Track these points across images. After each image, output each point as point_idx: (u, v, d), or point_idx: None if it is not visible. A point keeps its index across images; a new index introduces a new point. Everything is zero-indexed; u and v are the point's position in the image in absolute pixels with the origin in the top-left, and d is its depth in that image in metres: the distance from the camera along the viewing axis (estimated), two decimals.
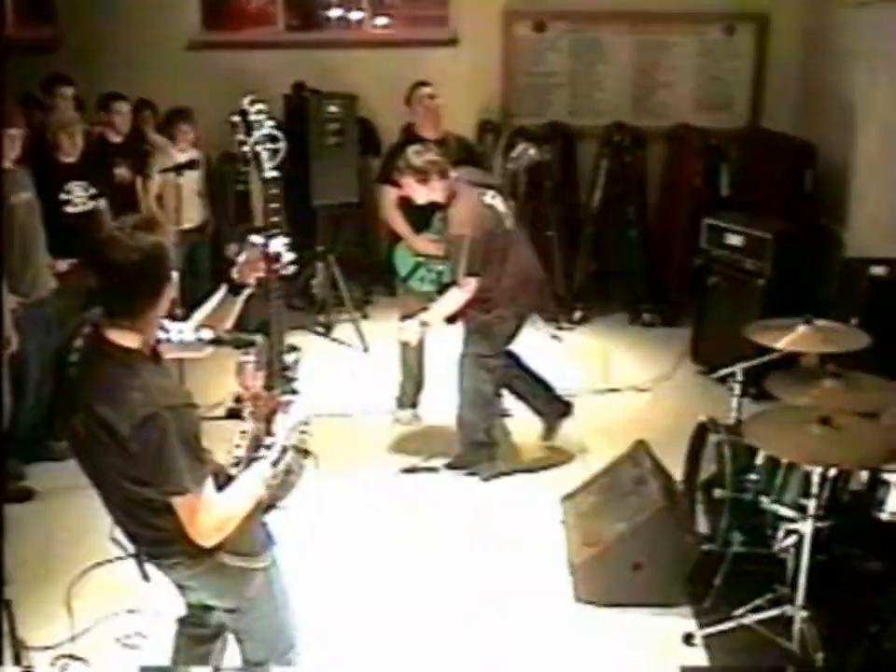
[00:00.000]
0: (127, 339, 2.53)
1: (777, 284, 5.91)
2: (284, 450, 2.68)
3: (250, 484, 2.63)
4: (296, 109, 7.33)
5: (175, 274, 2.58)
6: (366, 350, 6.70)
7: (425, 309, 4.91)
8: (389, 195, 5.43)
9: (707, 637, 3.88)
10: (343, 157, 6.91)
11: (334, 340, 6.98)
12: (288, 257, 2.80)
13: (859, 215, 6.82)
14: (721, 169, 7.34)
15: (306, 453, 2.82)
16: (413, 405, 5.75)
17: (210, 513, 2.51)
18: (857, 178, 6.83)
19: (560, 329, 6.93)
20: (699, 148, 7.40)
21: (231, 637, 3.04)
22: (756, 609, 3.85)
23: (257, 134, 2.77)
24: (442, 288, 5.00)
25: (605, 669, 3.79)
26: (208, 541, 2.54)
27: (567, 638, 3.93)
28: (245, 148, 2.77)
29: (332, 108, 6.88)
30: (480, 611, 4.06)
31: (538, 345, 6.70)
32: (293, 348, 2.86)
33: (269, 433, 2.69)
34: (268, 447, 2.67)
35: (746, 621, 3.83)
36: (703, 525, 4.35)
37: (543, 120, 7.83)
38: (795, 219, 6.50)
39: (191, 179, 6.55)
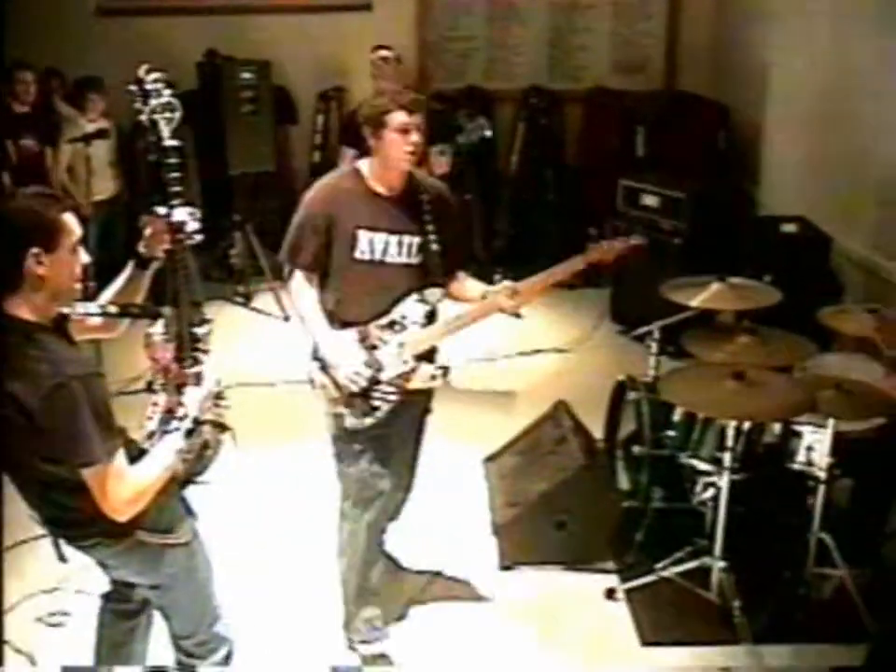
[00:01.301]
0: (23, 311, 2.48)
1: (692, 243, 6.01)
2: (196, 422, 2.65)
3: (162, 456, 2.59)
4: (209, 77, 7.21)
5: (82, 251, 2.53)
6: (286, 319, 6.66)
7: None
8: (345, 157, 5.40)
9: (629, 592, 3.96)
10: (258, 125, 6.83)
11: (254, 309, 6.93)
12: (193, 226, 2.75)
13: (770, 174, 6.94)
14: (637, 131, 7.41)
15: (223, 427, 2.80)
16: None
17: (122, 485, 2.47)
18: (768, 139, 6.96)
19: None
20: (615, 110, 7.46)
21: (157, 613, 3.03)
22: (676, 562, 3.94)
23: (153, 103, 2.72)
24: None
25: (530, 627, 3.85)
26: (122, 515, 2.51)
27: (491, 598, 3.98)
28: (143, 117, 2.73)
29: (246, 75, 6.79)
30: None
31: (457, 308, 6.74)
32: (204, 320, 2.82)
33: (181, 405, 2.66)
34: (180, 419, 2.64)
35: (667, 574, 3.93)
36: (624, 482, 4.44)
37: (460, 85, 7.82)
38: (710, 179, 6.62)
39: (102, 150, 6.43)
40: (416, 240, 3.43)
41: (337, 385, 3.47)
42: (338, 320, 3.46)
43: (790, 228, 5.72)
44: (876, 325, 4.17)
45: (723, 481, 3.75)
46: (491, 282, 3.65)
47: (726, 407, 3.55)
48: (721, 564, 3.82)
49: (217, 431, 2.81)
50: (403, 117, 3.31)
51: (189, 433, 2.64)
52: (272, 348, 6.25)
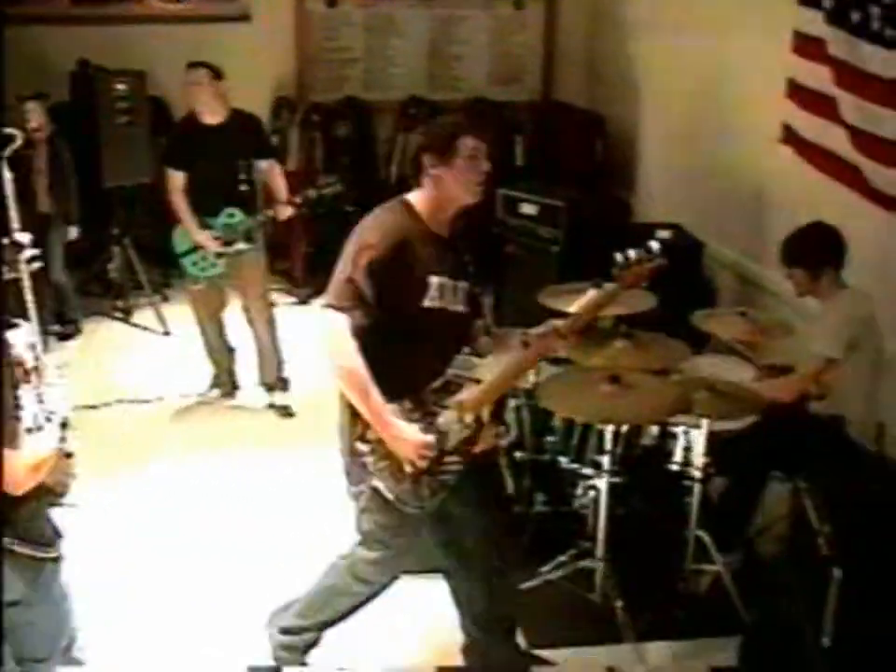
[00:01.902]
0: None
1: (570, 250, 6.10)
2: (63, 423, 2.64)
3: (48, 437, 2.59)
4: (82, 87, 7.05)
5: None
6: (167, 333, 6.54)
7: None
8: (173, 178, 5.30)
9: None
10: (134, 136, 6.69)
11: (134, 325, 6.79)
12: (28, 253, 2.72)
13: (645, 182, 7.11)
14: (516, 140, 7.50)
15: (68, 455, 2.74)
16: (225, 385, 5.69)
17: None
18: (643, 148, 7.12)
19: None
20: (494, 121, 7.52)
21: None
22: (560, 566, 3.99)
23: None
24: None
25: (412, 636, 3.84)
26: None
27: (368, 610, 3.95)
28: None
29: (120, 86, 6.65)
30: (276, 591, 4.03)
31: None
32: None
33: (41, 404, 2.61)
34: (48, 419, 2.60)
35: (551, 577, 3.97)
36: (509, 488, 4.48)
37: (339, 96, 7.79)
38: (586, 188, 6.72)
39: None
40: (465, 285, 3.13)
41: (398, 468, 3.06)
42: (393, 386, 3.00)
43: (664, 234, 5.82)
44: (750, 328, 4.32)
45: (603, 483, 3.82)
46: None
47: (603, 411, 3.61)
48: (603, 565, 3.89)
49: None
50: (473, 141, 3.01)
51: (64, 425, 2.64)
52: (152, 364, 6.14)
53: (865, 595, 2.55)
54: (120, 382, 5.81)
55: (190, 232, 5.28)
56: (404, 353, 3.01)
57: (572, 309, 3.39)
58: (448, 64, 8.06)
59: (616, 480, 3.86)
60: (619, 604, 3.78)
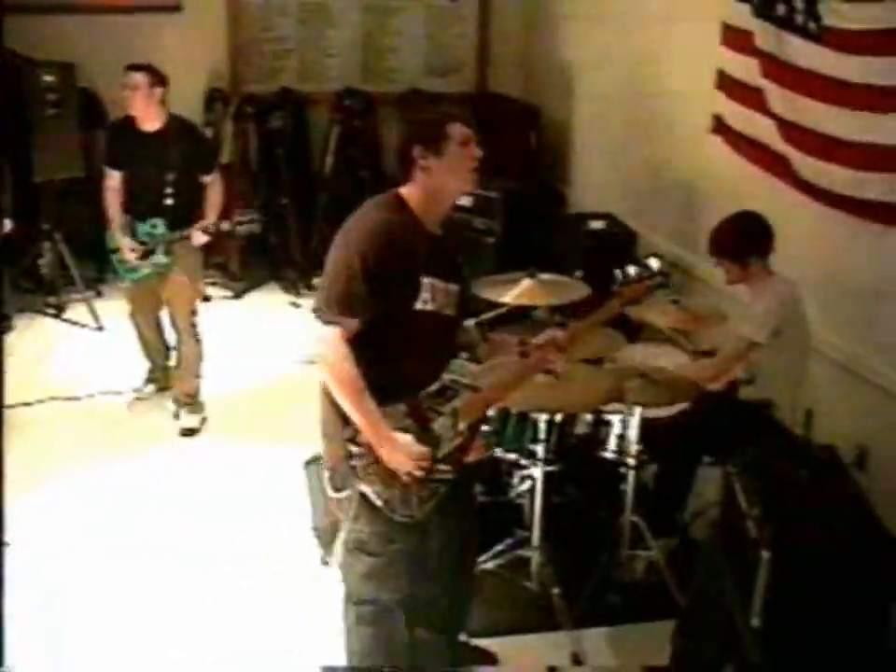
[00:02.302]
0: None
1: (506, 241, 6.14)
2: None
3: None
4: (9, 79, 6.90)
5: None
6: (100, 329, 6.46)
7: None
8: (109, 177, 5.21)
9: None
10: (63, 129, 6.57)
11: (66, 321, 6.69)
12: None
13: (579, 173, 7.16)
14: None
15: None
16: (159, 380, 5.62)
17: None
18: (576, 139, 7.17)
19: (298, 295, 6.95)
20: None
21: None
22: (497, 555, 4.02)
23: None
24: None
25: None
26: None
27: (315, 604, 3.93)
28: None
29: (48, 78, 6.54)
30: (228, 584, 4.04)
31: (276, 313, 6.70)
32: None
33: None
34: None
35: (489, 566, 3.99)
36: None
37: (273, 87, 7.73)
38: (522, 179, 6.75)
39: None
40: (456, 288, 3.00)
41: (388, 473, 2.94)
42: (386, 391, 2.89)
43: (597, 224, 5.92)
44: (683, 316, 4.38)
45: (538, 473, 3.85)
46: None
47: (537, 401, 3.64)
48: (540, 553, 3.93)
49: None
50: (463, 128, 2.91)
51: None
52: (85, 360, 6.06)
53: (794, 576, 2.60)
54: (54, 378, 5.73)
55: (116, 235, 5.17)
56: (398, 357, 2.89)
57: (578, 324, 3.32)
58: (383, 56, 8.05)
59: (551, 469, 3.91)
60: (556, 591, 3.82)
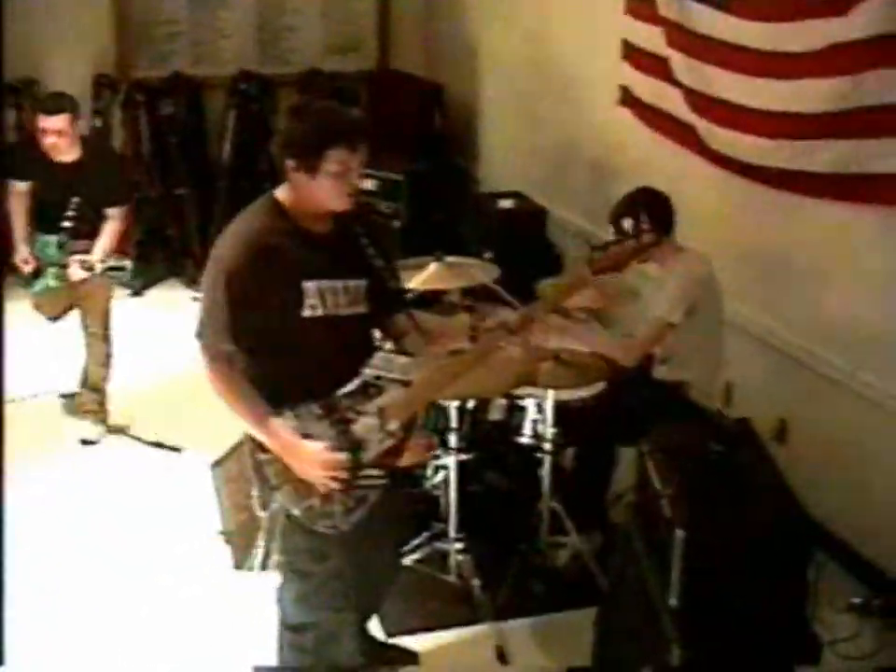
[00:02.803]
0: None
1: (412, 224, 6.13)
2: None
3: None
4: None
5: None
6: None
7: None
8: (14, 187, 4.96)
9: None
10: None
11: None
12: None
13: (487, 151, 7.18)
14: None
15: None
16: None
17: None
18: (482, 116, 7.18)
19: (199, 288, 6.84)
20: (329, 92, 7.47)
21: None
22: (415, 549, 4.00)
23: None
24: None
25: (262, 626, 3.81)
26: None
27: (226, 607, 3.91)
28: None
29: None
30: (136, 588, 3.98)
31: (178, 309, 6.60)
32: None
33: None
34: None
35: (406, 561, 3.98)
36: None
37: (164, 72, 7.59)
38: (427, 159, 6.75)
39: None
40: (363, 283, 2.91)
41: (301, 481, 2.81)
42: (284, 400, 2.79)
43: (506, 203, 5.94)
44: (595, 295, 4.40)
45: (452, 462, 3.85)
46: None
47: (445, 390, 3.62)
48: (458, 546, 3.93)
49: None
50: (345, 154, 2.73)
51: None
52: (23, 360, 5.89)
53: (709, 554, 2.64)
54: None
55: (17, 245, 4.92)
56: (296, 363, 2.80)
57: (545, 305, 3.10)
58: (280, 36, 7.94)
59: (465, 457, 3.91)
60: (476, 583, 3.82)
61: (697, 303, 3.94)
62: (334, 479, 2.78)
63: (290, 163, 2.76)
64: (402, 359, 2.93)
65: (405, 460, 2.97)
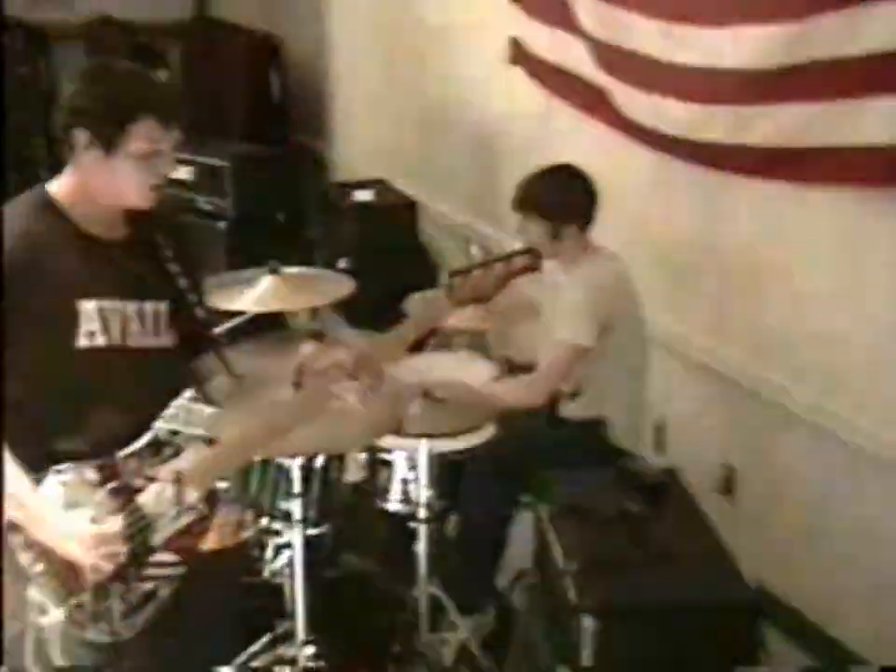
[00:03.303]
0: None
1: (242, 225, 6.12)
2: None
3: None
4: None
5: None
6: None
7: None
8: None
9: None
10: None
11: None
12: None
13: (339, 128, 7.20)
14: (156, 76, 7.41)
15: None
16: None
17: None
18: (334, 82, 7.22)
19: None
20: (125, 48, 7.41)
21: None
22: (253, 657, 3.97)
23: None
24: None
25: None
26: None
27: None
28: None
29: None
30: None
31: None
32: None
33: None
34: None
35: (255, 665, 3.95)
36: None
37: None
38: (261, 139, 6.76)
39: None
40: (164, 307, 2.88)
41: (68, 571, 2.71)
42: (47, 462, 2.70)
43: (365, 195, 5.98)
44: (481, 311, 4.45)
45: (297, 539, 3.84)
46: None
47: (286, 440, 3.62)
48: (309, 650, 3.91)
49: None
50: (157, 130, 2.72)
51: None
52: None
53: (626, 644, 2.71)
54: None
55: None
56: (66, 413, 2.75)
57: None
58: None
59: (315, 532, 3.91)
60: None
61: (612, 319, 4.01)
62: (105, 559, 2.68)
63: (81, 137, 2.73)
64: (206, 410, 2.89)
65: (209, 542, 2.93)
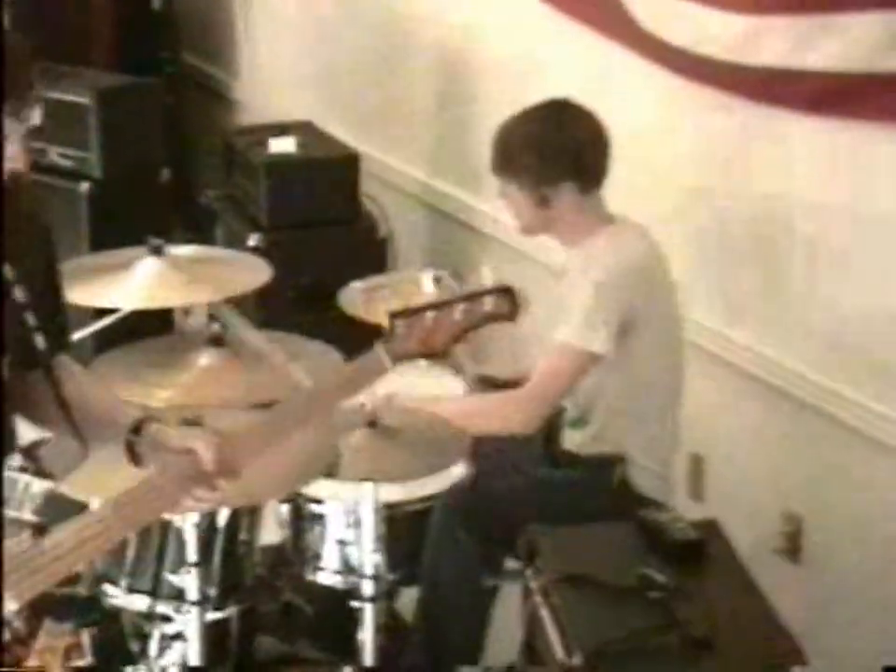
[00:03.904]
0: None
1: (112, 187, 6.11)
2: None
3: None
4: None
5: None
6: None
7: None
8: None
9: None
10: None
11: None
12: None
13: (252, 50, 7.21)
14: None
15: None
16: None
17: None
18: None
19: None
20: None
21: None
22: None
23: None
24: None
25: None
26: None
27: None
28: None
29: None
30: None
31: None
32: None
33: None
34: None
35: None
36: None
37: None
38: (137, 65, 6.75)
39: None
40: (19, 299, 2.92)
41: None
42: None
43: (285, 145, 5.96)
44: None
45: (193, 627, 3.85)
46: None
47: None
48: None
49: None
50: None
51: None
52: None
53: None
54: None
55: None
56: None
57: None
58: None
59: (219, 615, 3.92)
60: None
61: (635, 316, 4.03)
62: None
63: None
64: (38, 485, 2.90)
65: (32, 663, 2.98)
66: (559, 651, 2.94)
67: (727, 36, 4.35)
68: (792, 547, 4.46)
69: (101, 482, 3.66)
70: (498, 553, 4.10)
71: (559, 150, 4.10)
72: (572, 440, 4.19)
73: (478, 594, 4.15)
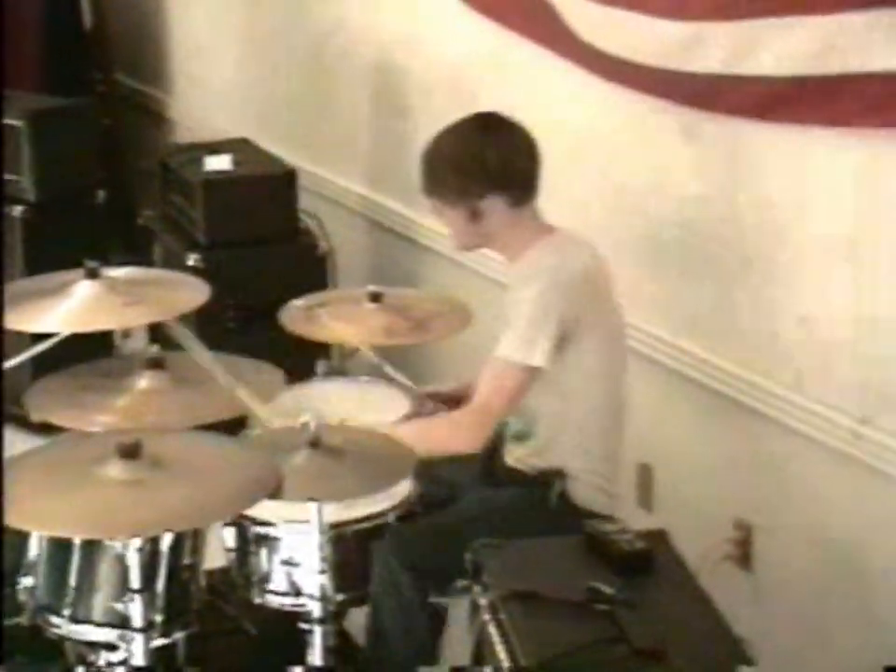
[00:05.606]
0: None
1: (47, 209, 6.11)
2: None
3: None
4: None
5: None
6: None
7: None
8: None
9: None
10: None
11: None
12: None
13: (187, 67, 7.20)
14: None
15: None
16: None
17: None
18: (175, 9, 7.22)
19: None
20: None
21: None
22: None
23: None
24: None
25: None
26: None
27: None
28: None
29: None
30: None
31: None
32: None
33: None
34: None
35: None
36: None
37: None
38: (70, 86, 6.74)
39: None
40: None
41: None
42: None
43: (221, 162, 5.96)
44: (393, 321, 4.47)
45: (139, 654, 3.84)
46: None
47: (112, 517, 3.61)
48: None
49: None
50: None
51: None
52: None
53: None
54: None
55: None
56: None
57: None
58: None
59: (165, 641, 3.91)
60: None
61: (576, 325, 4.04)
62: None
63: None
64: None
65: None
66: (507, 666, 2.94)
67: (665, 44, 4.37)
68: (743, 553, 4.48)
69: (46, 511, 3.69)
70: (445, 572, 4.10)
71: (481, 164, 4.12)
72: (515, 454, 4.20)
73: (424, 613, 4.15)
